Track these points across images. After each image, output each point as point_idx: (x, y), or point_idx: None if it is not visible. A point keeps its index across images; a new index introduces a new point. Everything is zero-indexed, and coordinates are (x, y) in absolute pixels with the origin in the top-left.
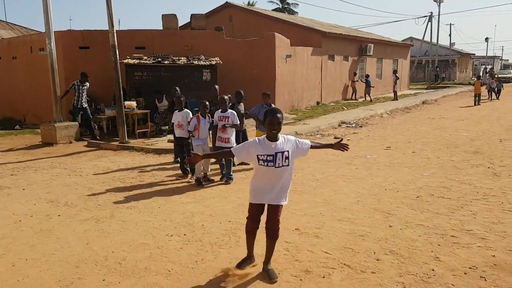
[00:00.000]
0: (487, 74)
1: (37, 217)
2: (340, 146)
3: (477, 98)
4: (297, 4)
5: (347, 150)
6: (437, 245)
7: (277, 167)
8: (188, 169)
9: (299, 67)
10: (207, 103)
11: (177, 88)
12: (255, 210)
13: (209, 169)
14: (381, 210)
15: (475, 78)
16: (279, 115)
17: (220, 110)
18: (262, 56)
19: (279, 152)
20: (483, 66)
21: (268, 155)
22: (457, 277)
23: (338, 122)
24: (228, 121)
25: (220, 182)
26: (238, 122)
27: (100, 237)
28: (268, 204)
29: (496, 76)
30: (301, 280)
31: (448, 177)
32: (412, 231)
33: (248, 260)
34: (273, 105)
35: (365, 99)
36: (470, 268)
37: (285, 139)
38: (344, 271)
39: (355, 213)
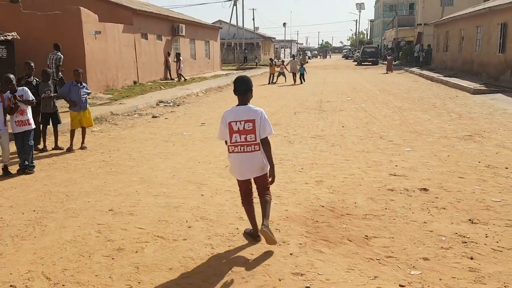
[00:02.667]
0: (299, 57)
1: None
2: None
3: (271, 77)
4: None
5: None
6: (241, 207)
7: None
8: None
9: (110, 44)
10: None
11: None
12: None
13: (8, 160)
14: (195, 182)
15: (270, 61)
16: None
17: (9, 91)
18: (68, 32)
19: None
20: (286, 50)
21: None
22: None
23: (156, 101)
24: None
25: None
26: (32, 98)
27: None
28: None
29: (295, 59)
30: (113, 259)
31: None
32: (221, 197)
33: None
34: (84, 84)
35: (180, 79)
36: None
37: None
38: (157, 242)
39: (170, 187)
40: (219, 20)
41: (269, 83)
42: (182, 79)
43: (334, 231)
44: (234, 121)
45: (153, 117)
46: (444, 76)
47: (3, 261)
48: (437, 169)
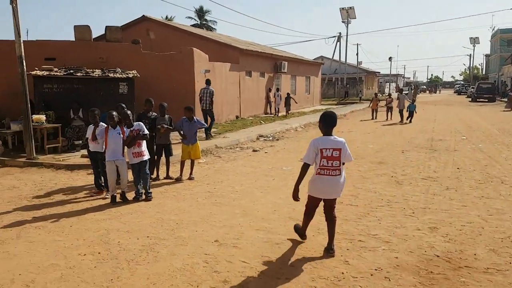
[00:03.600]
0: (410, 91)
1: None
2: None
3: (374, 113)
4: (216, 22)
5: None
6: (346, 250)
7: None
8: (103, 184)
9: (218, 82)
10: (114, 113)
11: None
12: None
13: (126, 187)
14: (296, 218)
15: (374, 96)
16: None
17: (126, 126)
18: (181, 71)
19: None
20: (391, 84)
21: None
22: (364, 278)
23: (256, 136)
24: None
25: (143, 199)
26: (146, 133)
27: (5, 260)
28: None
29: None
30: None
31: (355, 185)
32: (323, 237)
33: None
34: (196, 118)
35: (277, 114)
36: (375, 269)
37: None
38: (261, 279)
39: (271, 222)
40: (321, 56)
41: (372, 119)
42: (281, 114)
43: (451, 284)
44: (324, 148)
45: (254, 151)
46: None
47: (120, 284)
48: None
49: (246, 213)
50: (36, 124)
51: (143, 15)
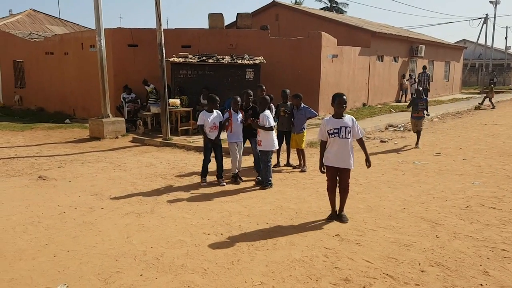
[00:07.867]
0: None
1: (81, 209)
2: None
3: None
4: (347, 4)
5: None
6: (487, 259)
7: (341, 138)
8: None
9: (345, 67)
10: (238, 98)
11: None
12: (331, 171)
13: (240, 168)
14: (428, 219)
15: (489, 84)
16: (345, 97)
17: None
18: (307, 56)
19: (343, 127)
20: None
21: (335, 129)
22: None
23: (385, 125)
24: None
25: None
26: (273, 124)
27: (139, 232)
28: (339, 167)
29: None
30: None
31: (500, 186)
32: (460, 243)
33: (333, 215)
34: (304, 105)
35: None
36: None
37: (349, 118)
38: (386, 281)
39: (400, 221)
40: (463, 39)
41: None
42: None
43: None
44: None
45: (381, 141)
46: None
47: (240, 268)
48: None
49: (371, 209)
50: (171, 107)
51: (273, 0)
